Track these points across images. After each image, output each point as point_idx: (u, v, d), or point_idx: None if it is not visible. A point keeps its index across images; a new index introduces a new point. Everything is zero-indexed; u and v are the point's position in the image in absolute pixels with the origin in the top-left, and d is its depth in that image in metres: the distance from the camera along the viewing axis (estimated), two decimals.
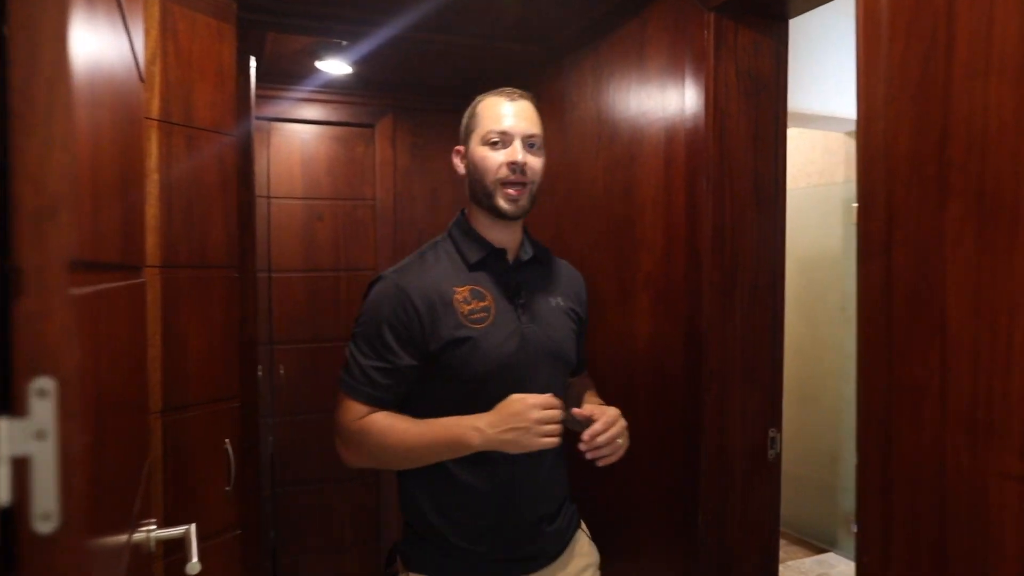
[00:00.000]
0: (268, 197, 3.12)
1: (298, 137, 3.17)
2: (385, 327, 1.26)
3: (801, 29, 2.85)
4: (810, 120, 3.09)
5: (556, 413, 1.19)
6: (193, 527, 1.10)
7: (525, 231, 1.43)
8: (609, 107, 2.15)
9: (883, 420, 0.92)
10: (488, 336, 1.28)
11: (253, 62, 2.21)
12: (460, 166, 1.39)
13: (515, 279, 1.36)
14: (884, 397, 0.93)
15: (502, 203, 1.30)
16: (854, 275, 3.41)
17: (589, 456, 1.22)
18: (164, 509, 1.48)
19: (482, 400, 1.23)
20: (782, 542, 1.98)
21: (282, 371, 3.13)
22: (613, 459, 1.25)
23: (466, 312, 1.28)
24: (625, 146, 2.06)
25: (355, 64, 2.74)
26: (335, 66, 2.73)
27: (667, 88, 1.85)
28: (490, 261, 1.35)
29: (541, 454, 1.28)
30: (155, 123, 1.54)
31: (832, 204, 3.58)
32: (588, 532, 1.49)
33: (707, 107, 1.69)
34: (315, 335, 3.21)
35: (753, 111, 1.73)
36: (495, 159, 1.30)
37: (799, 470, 3.69)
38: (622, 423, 1.26)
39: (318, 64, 2.71)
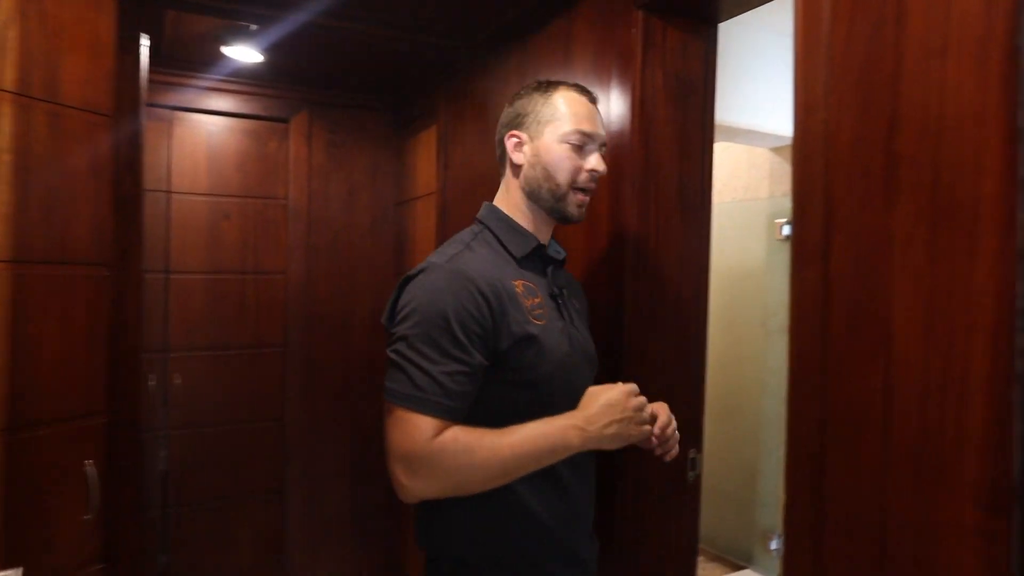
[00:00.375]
0: (168, 192, 2.88)
1: (205, 129, 2.95)
2: (453, 322, 1.08)
3: (728, 42, 2.84)
4: (736, 134, 3.08)
5: (644, 399, 1.15)
6: (16, 573, 0.92)
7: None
8: None
9: (815, 455, 0.81)
10: (548, 334, 1.18)
11: (145, 40, 2.01)
12: (519, 155, 1.27)
13: (554, 277, 1.30)
14: (817, 428, 0.82)
15: (572, 208, 1.25)
16: (776, 290, 3.37)
17: (659, 452, 1.21)
18: (3, 546, 1.27)
19: (543, 406, 1.14)
20: (699, 559, 1.93)
21: (178, 380, 2.89)
22: (675, 453, 1.24)
23: (528, 307, 1.17)
24: None
25: (266, 52, 2.55)
26: (244, 53, 2.53)
27: (592, 88, 1.76)
28: (534, 257, 1.27)
29: (589, 465, 1.25)
30: (9, 96, 1.34)
31: (756, 219, 3.59)
32: None
33: (633, 109, 1.60)
34: (217, 342, 2.98)
35: (680, 116, 1.65)
36: (576, 162, 1.23)
37: (718, 485, 3.67)
38: (673, 416, 1.23)
39: (225, 50, 2.51)
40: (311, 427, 3.14)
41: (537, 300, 1.20)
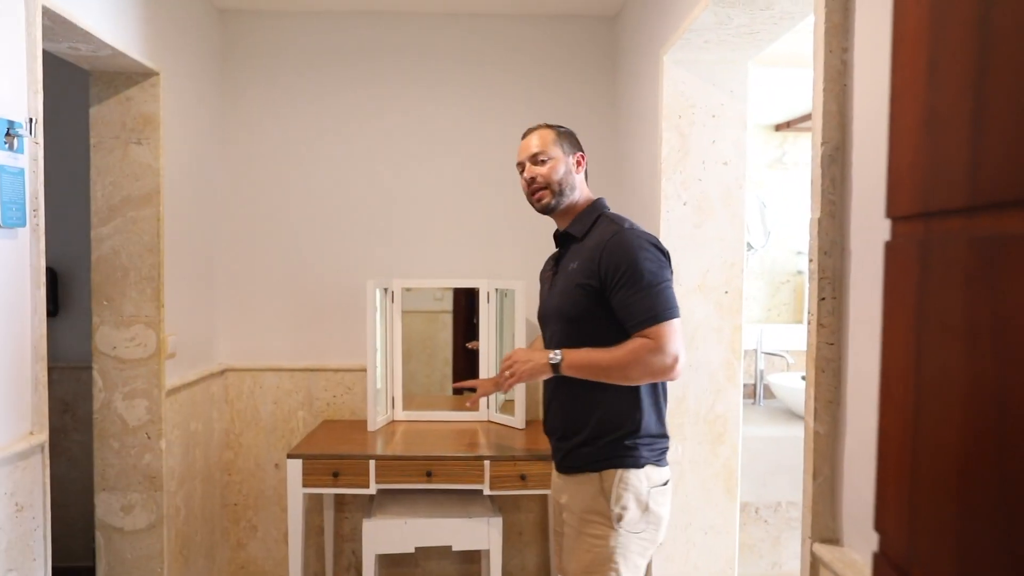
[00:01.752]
0: None
1: None
2: None
3: None
4: None
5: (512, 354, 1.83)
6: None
7: (583, 215, 1.87)
8: None
9: None
10: (542, 293, 1.96)
11: None
12: None
13: (560, 254, 1.92)
14: None
15: (536, 207, 1.88)
16: None
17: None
18: None
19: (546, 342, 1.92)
20: None
21: None
22: (514, 381, 1.80)
23: (542, 275, 2.01)
24: None
25: None
26: None
27: None
28: (556, 240, 1.94)
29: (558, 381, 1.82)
30: None
31: None
32: (625, 484, 1.70)
33: None
34: None
35: None
36: (522, 182, 1.89)
37: None
38: (515, 355, 1.81)
39: None
40: None
41: (547, 272, 1.96)
